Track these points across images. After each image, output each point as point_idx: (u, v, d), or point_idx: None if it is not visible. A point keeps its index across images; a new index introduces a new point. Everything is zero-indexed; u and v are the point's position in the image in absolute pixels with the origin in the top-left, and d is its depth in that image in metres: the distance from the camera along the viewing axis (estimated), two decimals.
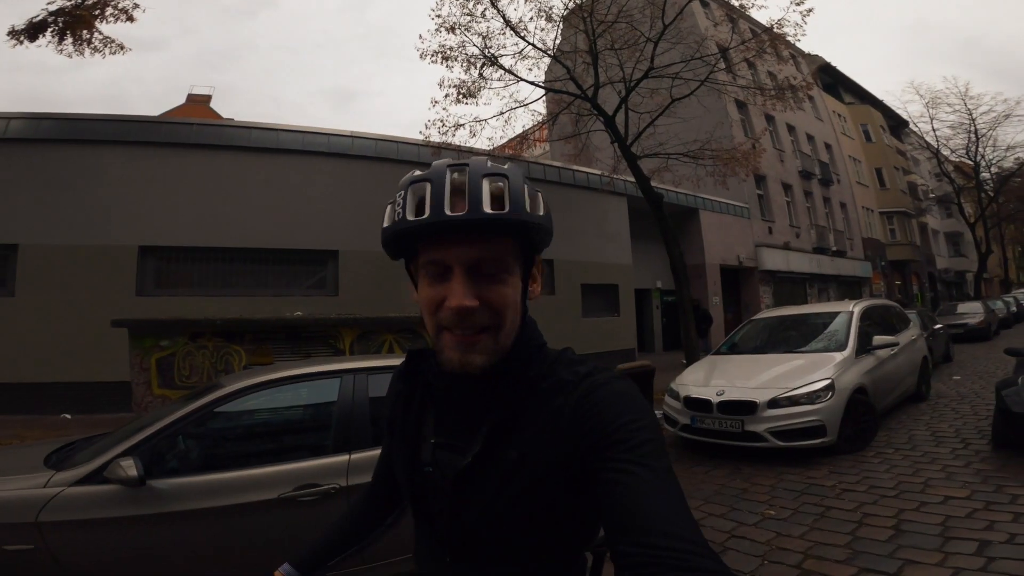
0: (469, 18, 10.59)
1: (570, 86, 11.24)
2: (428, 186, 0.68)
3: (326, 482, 2.66)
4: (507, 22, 10.64)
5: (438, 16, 10.67)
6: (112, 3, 9.48)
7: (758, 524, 3.62)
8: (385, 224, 0.73)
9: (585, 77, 11.03)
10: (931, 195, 34.94)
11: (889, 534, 3.24)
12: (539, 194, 0.73)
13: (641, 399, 0.70)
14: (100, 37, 9.80)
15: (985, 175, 29.66)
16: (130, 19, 9.80)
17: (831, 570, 2.85)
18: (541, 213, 0.71)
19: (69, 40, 9.48)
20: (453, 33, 10.68)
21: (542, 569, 0.74)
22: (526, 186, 0.70)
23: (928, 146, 30.99)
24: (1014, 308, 22.34)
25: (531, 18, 11.08)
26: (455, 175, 0.68)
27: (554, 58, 11.15)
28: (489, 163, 0.70)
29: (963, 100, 28.42)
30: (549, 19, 10.70)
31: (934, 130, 29.70)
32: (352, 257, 11.47)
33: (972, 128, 28.06)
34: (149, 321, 6.24)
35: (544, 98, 12.81)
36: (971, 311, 17.43)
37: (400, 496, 0.93)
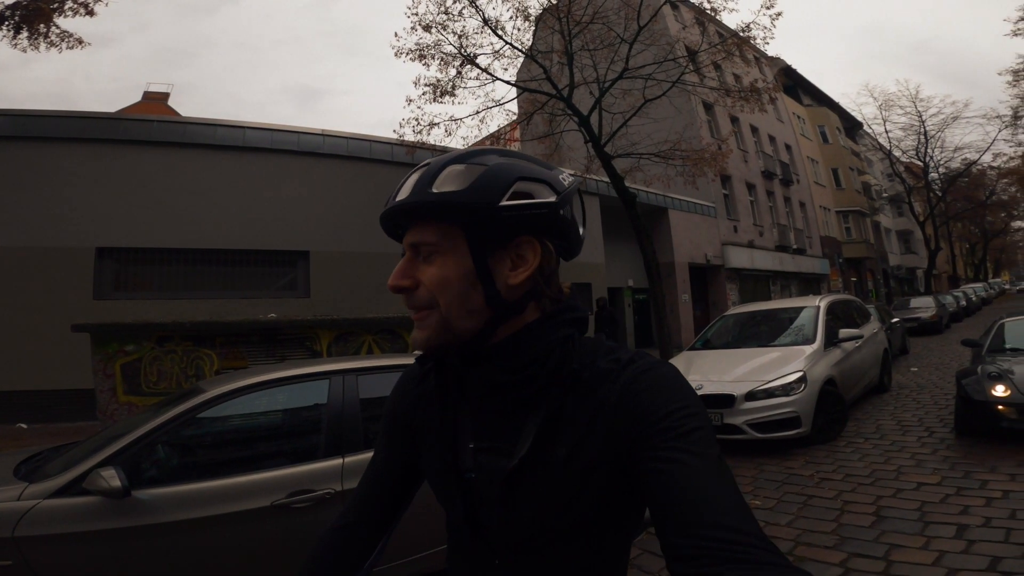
0: (446, 16, 10.54)
1: (545, 86, 11.29)
2: None
3: (320, 487, 2.58)
4: (485, 21, 10.63)
5: (414, 14, 10.59)
6: None
7: None
8: None
9: (560, 77, 11.10)
10: (884, 195, 36.55)
11: (871, 520, 3.36)
12: (493, 170, 0.69)
13: (687, 385, 0.68)
14: (57, 31, 9.40)
15: (934, 175, 31.23)
16: (90, 13, 9.40)
17: (822, 556, 2.94)
18: (468, 189, 0.67)
19: (25, 34, 9.04)
20: (429, 31, 10.61)
21: (594, 563, 0.72)
22: (460, 166, 0.69)
23: (881, 147, 32.48)
24: (963, 302, 23.50)
25: (509, 17, 11.13)
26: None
27: (531, 57, 11.18)
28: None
29: (914, 103, 29.92)
30: (526, 18, 10.75)
31: (887, 132, 31.16)
32: (324, 258, 11.24)
33: (922, 130, 29.52)
34: (113, 325, 5.96)
35: (517, 98, 12.83)
36: (923, 306, 18.17)
37: (397, 511, 0.89)
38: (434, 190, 0.68)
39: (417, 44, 10.75)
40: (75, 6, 9.22)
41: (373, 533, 0.87)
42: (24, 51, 9.22)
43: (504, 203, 0.68)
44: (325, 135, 12.01)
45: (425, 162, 0.73)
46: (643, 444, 0.63)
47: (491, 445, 0.73)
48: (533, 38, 11.35)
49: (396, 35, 10.81)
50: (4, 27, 8.81)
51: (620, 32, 10.84)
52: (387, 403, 0.92)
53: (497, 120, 17.26)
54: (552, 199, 0.71)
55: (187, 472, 2.70)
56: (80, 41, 9.74)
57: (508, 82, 11.74)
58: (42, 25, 9.10)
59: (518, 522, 0.70)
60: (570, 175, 0.76)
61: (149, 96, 24.43)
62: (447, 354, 0.75)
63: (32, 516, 2.26)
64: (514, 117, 12.92)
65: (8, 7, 8.80)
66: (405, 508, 0.91)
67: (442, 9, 10.50)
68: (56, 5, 9.01)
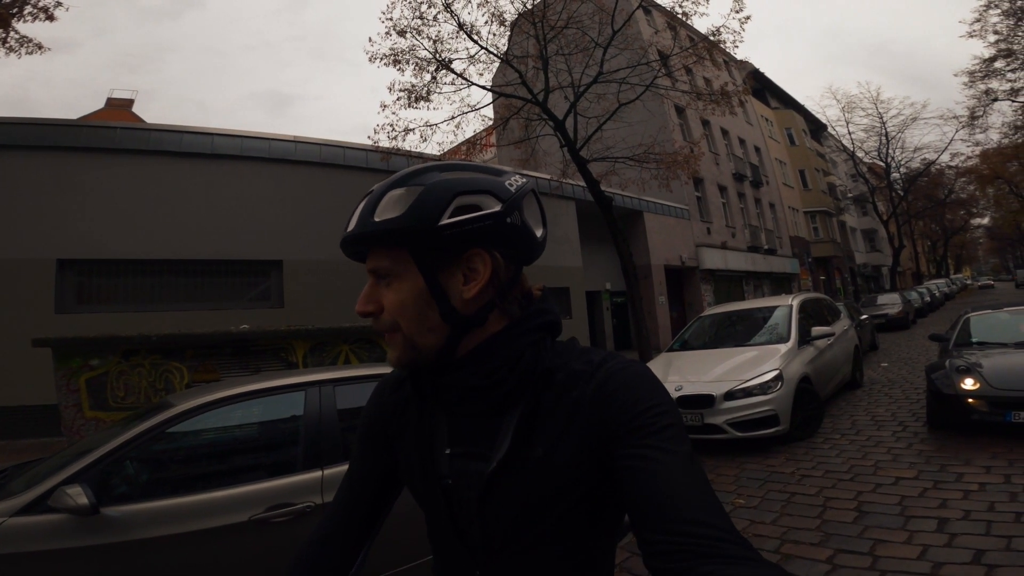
0: (421, 21, 10.48)
1: (521, 91, 11.31)
2: None
3: (300, 500, 2.53)
4: (460, 26, 10.61)
5: (389, 19, 10.51)
6: (32, 1, 8.76)
7: (731, 513, 3.70)
8: None
9: (535, 82, 11.12)
10: (848, 195, 37.61)
11: (854, 516, 3.40)
12: (430, 190, 0.69)
13: (659, 383, 0.70)
14: (16, 36, 9.13)
15: (895, 175, 32.29)
16: (50, 18, 9.17)
17: (809, 553, 2.96)
18: (406, 214, 0.68)
19: None
20: (404, 36, 10.54)
21: (577, 567, 0.72)
22: (399, 190, 0.70)
23: (845, 148, 33.45)
24: (927, 298, 24.27)
25: (485, 22, 11.19)
26: None
27: (506, 62, 11.19)
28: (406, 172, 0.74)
29: (875, 104, 30.90)
30: (501, 23, 10.74)
31: (850, 133, 32.12)
32: (297, 267, 11.02)
33: (883, 131, 30.50)
34: (75, 339, 5.71)
35: (493, 103, 12.82)
36: (890, 302, 18.70)
37: (376, 520, 0.88)
38: (376, 219, 0.69)
39: (392, 49, 10.68)
40: (35, 11, 9.00)
41: (353, 544, 0.86)
42: None
43: (444, 222, 0.68)
44: (297, 141, 11.81)
45: (370, 190, 0.74)
46: (617, 442, 0.65)
47: (466, 450, 0.74)
48: (508, 43, 11.36)
49: (370, 40, 10.65)
50: None
51: (594, 37, 10.93)
52: (363, 412, 0.92)
53: (473, 125, 17.18)
54: (496, 208, 0.70)
55: (160, 488, 2.63)
56: (40, 46, 9.52)
57: (483, 87, 11.72)
58: (0, 30, 8.74)
59: (497, 526, 0.71)
60: (520, 177, 0.77)
61: (113, 103, 23.75)
62: (419, 368, 0.75)
63: (1, 533, 2.17)
64: (490, 122, 12.91)
65: None
66: (385, 517, 0.90)
67: (417, 14, 10.46)
68: (15, 10, 8.73)
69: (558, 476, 0.68)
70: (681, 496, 0.58)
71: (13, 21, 8.88)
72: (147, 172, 10.14)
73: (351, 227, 0.72)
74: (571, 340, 0.79)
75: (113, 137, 10.18)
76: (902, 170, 32.29)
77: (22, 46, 9.33)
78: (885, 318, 17.25)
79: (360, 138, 17.81)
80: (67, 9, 9.28)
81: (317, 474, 2.64)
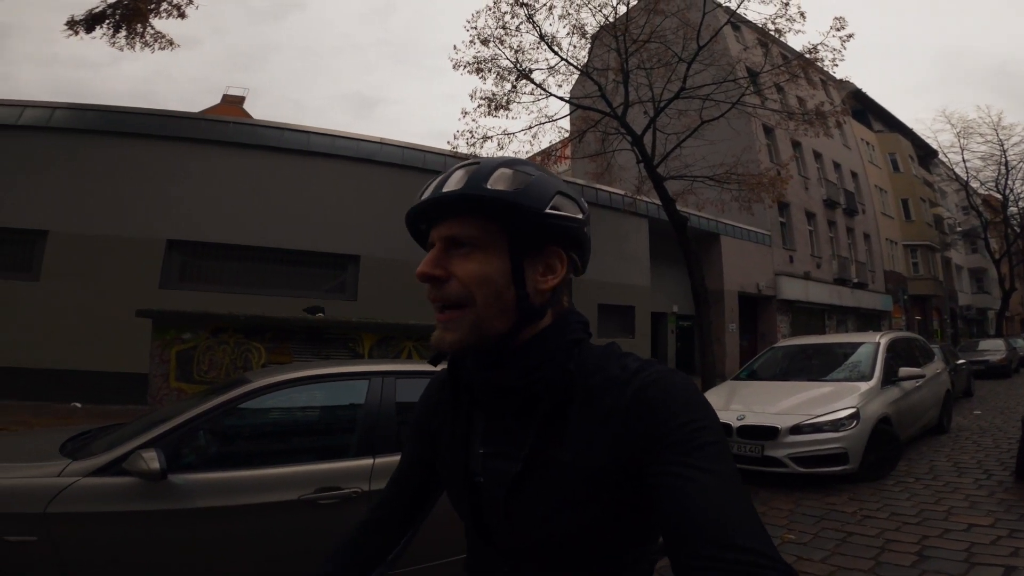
0: (504, 31, 10.74)
1: (599, 104, 11.29)
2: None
3: (348, 486, 2.59)
4: (542, 37, 10.77)
5: (473, 28, 10.85)
6: None
7: (778, 547, 3.52)
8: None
9: (615, 95, 11.07)
10: (957, 229, 34.38)
11: (913, 560, 3.18)
12: (538, 180, 0.72)
13: (700, 395, 0.67)
14: (152, 32, 10.03)
15: (1013, 209, 29.11)
16: (182, 16, 10.01)
17: None
18: (519, 192, 0.70)
19: (123, 33, 9.72)
20: (487, 45, 10.83)
21: (605, 574, 0.71)
22: (509, 170, 0.71)
23: (957, 178, 30.50)
24: None
25: (566, 34, 11.30)
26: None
27: (585, 74, 11.22)
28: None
29: (995, 130, 27.95)
30: (583, 35, 10.81)
31: (964, 161, 29.22)
32: (373, 263, 11.55)
33: (1003, 160, 27.59)
34: (173, 313, 6.27)
35: (570, 115, 12.88)
36: (993, 348, 17.41)
37: (419, 511, 0.91)
38: (489, 186, 0.69)
39: (475, 57, 10.99)
40: (169, 7, 9.85)
41: (395, 533, 0.90)
42: (121, 49, 9.90)
43: (549, 211, 0.71)
44: (382, 143, 12.42)
45: (472, 160, 0.75)
46: (653, 456, 0.62)
47: (499, 450, 0.74)
48: (589, 55, 11.39)
49: (455, 47, 11.05)
50: (105, 25, 9.50)
51: (678, 51, 10.73)
52: (416, 407, 0.95)
53: (549, 136, 17.32)
54: (580, 216, 0.75)
55: (222, 460, 2.74)
56: (171, 42, 10.37)
57: (562, 98, 11.80)
58: (139, 25, 9.75)
59: (523, 527, 0.70)
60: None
61: (227, 99, 25.88)
62: (466, 356, 0.76)
63: (68, 494, 2.29)
64: (566, 134, 12.96)
65: (110, 5, 9.52)
66: (429, 509, 0.93)
67: (500, 24, 10.72)
68: (153, 6, 9.64)
69: (586, 482, 0.66)
70: (720, 517, 0.55)
71: (150, 16, 9.77)
72: (249, 164, 11.06)
73: (454, 187, 0.70)
74: (610, 344, 0.77)
75: (224, 131, 11.22)
76: (1021, 204, 29.13)
77: (155, 41, 10.21)
78: (985, 364, 15.80)
79: (433, 143, 18.44)
80: (196, 7, 10.14)
81: (368, 462, 2.70)
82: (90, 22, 9.50)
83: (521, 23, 10.71)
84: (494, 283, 0.70)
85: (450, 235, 0.72)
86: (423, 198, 0.73)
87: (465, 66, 11.03)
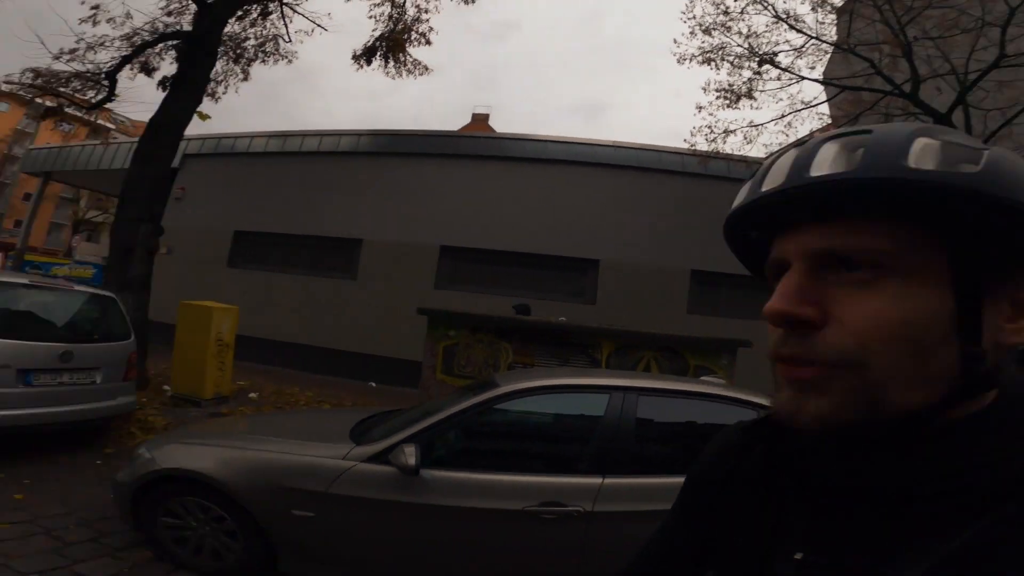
0: (726, 17, 9.70)
1: (871, 82, 9.39)
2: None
3: (571, 503, 2.54)
4: (777, 15, 9.43)
5: (692, 18, 10.04)
6: (414, 28, 11.41)
7: None
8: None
9: (893, 71, 9.07)
10: None
11: None
12: (1000, 158, 0.43)
13: None
14: (411, 60, 11.87)
15: None
16: (427, 43, 11.64)
17: None
18: (978, 176, 0.42)
19: (392, 63, 11.75)
20: (710, 35, 9.92)
21: None
22: (934, 141, 0.43)
23: None
24: None
25: (811, 8, 9.58)
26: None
27: (850, 51, 9.43)
28: None
29: None
30: (831, 10, 9.13)
31: None
32: (612, 267, 11.62)
33: None
34: (445, 312, 7.20)
35: (830, 100, 11.01)
36: None
37: None
38: (912, 165, 0.43)
39: (700, 48, 10.12)
40: (417, 36, 11.55)
41: None
42: (393, 78, 12.02)
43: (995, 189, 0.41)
44: (616, 146, 12.40)
45: (849, 130, 0.48)
46: None
47: (832, 562, 0.48)
48: (845, 30, 9.55)
49: (675, 41, 10.26)
50: (378, 56, 11.55)
51: (978, 15, 8.26)
52: (695, 465, 0.69)
53: (808, 124, 14.99)
54: None
55: (464, 459, 2.92)
56: (427, 68, 12.09)
57: (819, 80, 10.13)
58: (400, 54, 11.59)
59: None
60: None
61: (476, 117, 29.59)
62: (828, 434, 0.48)
63: (348, 476, 2.58)
64: (827, 120, 11.09)
65: (377, 39, 11.53)
66: None
67: (721, 10, 9.68)
68: (406, 36, 11.38)
69: None
70: None
71: (406, 46, 11.55)
72: (497, 174, 12.28)
73: (836, 168, 0.45)
74: None
75: (476, 145, 12.82)
76: None
77: (415, 68, 12.02)
78: None
79: (664, 142, 17.64)
80: (437, 33, 11.62)
81: (597, 480, 2.60)
82: (367, 55, 11.62)
83: (747, 5, 9.53)
84: (919, 333, 0.44)
85: (827, 248, 0.46)
86: (764, 190, 0.49)
87: (691, 59, 10.24)
